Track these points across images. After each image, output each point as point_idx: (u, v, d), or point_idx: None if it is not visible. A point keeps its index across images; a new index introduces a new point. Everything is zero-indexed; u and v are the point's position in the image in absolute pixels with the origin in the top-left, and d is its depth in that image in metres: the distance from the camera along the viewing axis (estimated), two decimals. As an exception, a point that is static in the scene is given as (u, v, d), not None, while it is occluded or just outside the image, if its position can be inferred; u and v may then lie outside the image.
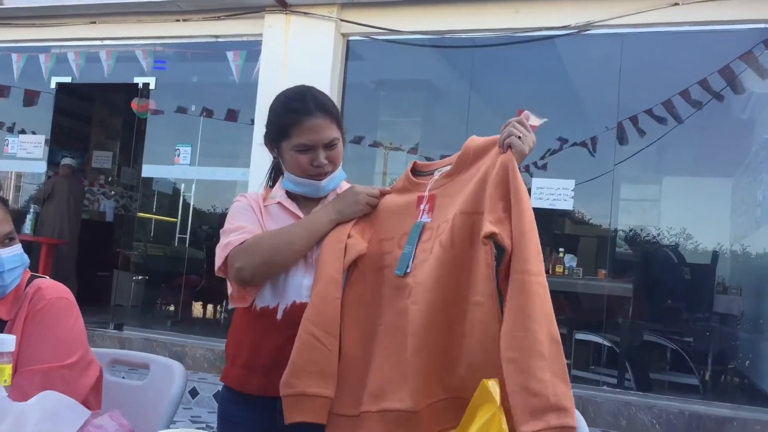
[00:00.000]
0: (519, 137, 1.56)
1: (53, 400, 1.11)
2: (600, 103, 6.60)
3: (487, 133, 1.73)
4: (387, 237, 1.73)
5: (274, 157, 1.89)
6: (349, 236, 1.73)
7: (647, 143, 6.39)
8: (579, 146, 6.39)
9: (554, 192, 5.61)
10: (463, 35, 6.04)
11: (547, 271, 6.16)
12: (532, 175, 6.09)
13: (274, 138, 1.83)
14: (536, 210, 5.80)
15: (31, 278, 1.84)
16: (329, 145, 1.79)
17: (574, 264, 6.17)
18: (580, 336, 6.08)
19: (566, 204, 5.66)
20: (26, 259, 1.81)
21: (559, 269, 6.03)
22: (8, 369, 1.26)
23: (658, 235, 7.08)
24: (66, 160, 8.30)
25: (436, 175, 1.72)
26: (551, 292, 1.47)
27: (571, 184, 5.64)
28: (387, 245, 1.71)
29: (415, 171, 1.79)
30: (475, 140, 1.70)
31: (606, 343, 5.98)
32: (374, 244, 1.73)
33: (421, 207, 1.70)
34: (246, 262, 1.69)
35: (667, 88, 5.78)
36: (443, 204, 1.66)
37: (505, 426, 1.33)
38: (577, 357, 6.13)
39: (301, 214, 1.82)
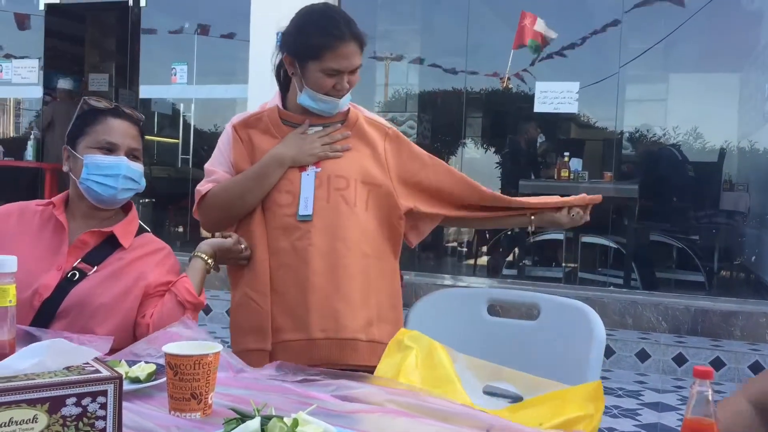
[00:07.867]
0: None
1: (64, 345, 1.11)
2: (603, 3, 6.40)
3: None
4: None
5: (291, 73, 1.85)
6: None
7: (654, 42, 6.22)
8: (583, 48, 6.23)
9: (558, 95, 5.51)
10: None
11: (552, 176, 6.08)
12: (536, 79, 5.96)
13: (301, 56, 1.80)
14: (541, 114, 5.65)
15: (141, 229, 1.91)
16: (353, 71, 1.82)
17: (579, 167, 6.12)
18: (586, 239, 6.11)
19: (571, 107, 5.57)
20: (144, 182, 1.83)
21: (564, 173, 5.98)
22: (12, 289, 1.29)
23: (665, 134, 7.00)
24: (62, 83, 8.00)
25: (311, 131, 1.85)
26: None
27: (575, 86, 5.54)
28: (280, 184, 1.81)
29: (283, 118, 1.87)
30: (364, 112, 1.89)
31: (612, 245, 6.01)
32: None
33: None
34: (205, 217, 1.90)
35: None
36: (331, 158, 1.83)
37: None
38: (584, 260, 6.18)
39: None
